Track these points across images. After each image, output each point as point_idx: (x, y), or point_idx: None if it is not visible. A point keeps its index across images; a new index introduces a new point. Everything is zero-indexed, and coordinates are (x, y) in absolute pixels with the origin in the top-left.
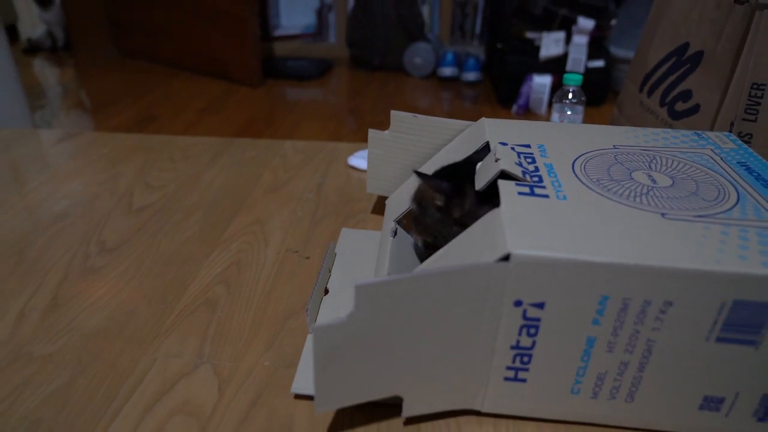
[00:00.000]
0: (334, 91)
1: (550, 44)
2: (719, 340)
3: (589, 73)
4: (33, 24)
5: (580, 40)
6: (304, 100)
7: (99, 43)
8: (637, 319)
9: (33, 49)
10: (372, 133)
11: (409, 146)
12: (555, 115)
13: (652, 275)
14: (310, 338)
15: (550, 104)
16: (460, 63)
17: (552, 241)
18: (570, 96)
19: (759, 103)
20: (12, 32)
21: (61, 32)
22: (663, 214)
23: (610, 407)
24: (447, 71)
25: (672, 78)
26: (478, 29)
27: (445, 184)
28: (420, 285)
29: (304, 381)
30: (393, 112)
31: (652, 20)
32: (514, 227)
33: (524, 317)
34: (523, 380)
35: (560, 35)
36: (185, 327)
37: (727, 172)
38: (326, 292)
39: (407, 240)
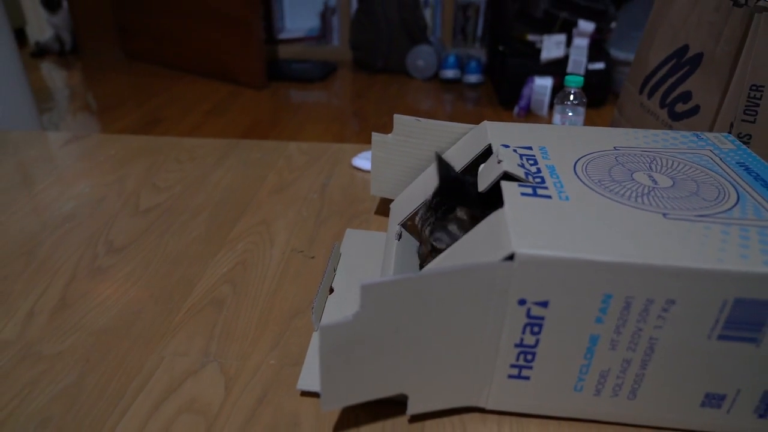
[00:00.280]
0: (338, 93)
1: (551, 47)
2: (721, 337)
3: (589, 75)
4: (41, 28)
5: (581, 43)
6: (309, 102)
7: (106, 46)
8: (640, 318)
9: (41, 52)
10: (375, 136)
11: (411, 149)
12: (556, 117)
13: (654, 274)
14: (315, 337)
15: (551, 106)
16: (462, 65)
17: (555, 241)
18: (571, 98)
19: (758, 105)
20: (20, 36)
21: (68, 36)
22: (664, 214)
23: (613, 404)
24: (449, 73)
25: (672, 80)
26: (479, 32)
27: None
28: (425, 284)
29: (309, 378)
30: (396, 116)
31: (652, 23)
32: (518, 227)
33: (528, 316)
34: (527, 378)
35: (561, 38)
36: (192, 326)
37: (726, 173)
38: (331, 291)
39: (412, 243)
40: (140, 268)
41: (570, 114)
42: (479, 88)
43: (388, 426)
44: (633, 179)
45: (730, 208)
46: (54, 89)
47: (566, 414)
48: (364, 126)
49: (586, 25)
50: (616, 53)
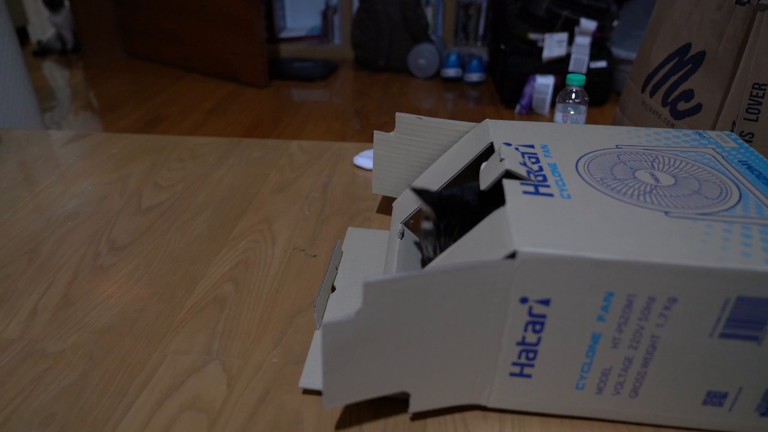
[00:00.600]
0: (340, 92)
1: (553, 45)
2: (723, 336)
3: (591, 73)
4: (43, 27)
5: (583, 41)
6: (310, 101)
7: (107, 45)
8: (642, 316)
9: (43, 51)
10: (377, 134)
11: (413, 148)
12: (558, 115)
13: (656, 272)
14: (317, 335)
15: (553, 104)
16: (463, 64)
17: (557, 239)
18: (573, 96)
19: (760, 103)
20: (22, 35)
21: (70, 35)
22: (666, 213)
23: (615, 402)
24: (451, 72)
25: (674, 78)
26: (481, 31)
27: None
28: (427, 282)
29: (311, 376)
30: (398, 114)
31: (654, 21)
32: (520, 225)
33: (530, 314)
34: (529, 376)
35: (563, 36)
36: (194, 324)
37: (728, 171)
38: (333, 289)
39: (415, 242)
40: (142, 266)
41: (572, 113)
42: (481, 87)
43: (390, 424)
44: (635, 177)
45: (732, 207)
46: (56, 88)
47: (568, 412)
48: (366, 125)
49: (588, 24)
50: (618, 52)
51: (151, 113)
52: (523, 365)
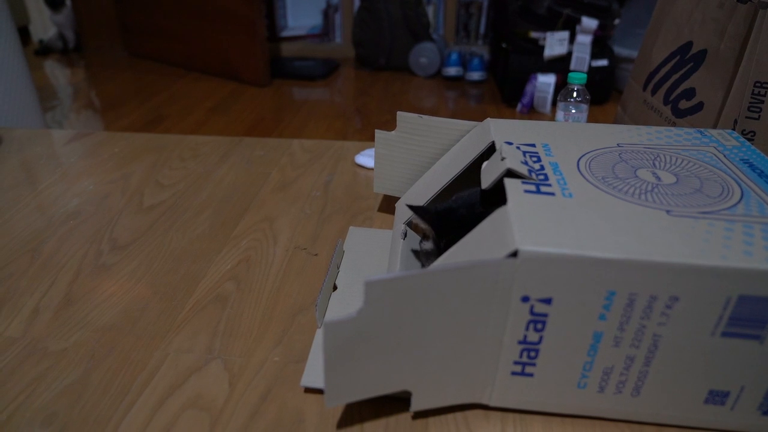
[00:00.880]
0: (341, 90)
1: (554, 44)
2: (724, 334)
3: (592, 72)
4: (44, 26)
5: (584, 40)
6: (311, 99)
7: (109, 44)
8: (644, 314)
9: (44, 50)
10: (379, 133)
11: (415, 146)
12: (560, 114)
13: (658, 271)
14: (319, 333)
15: (554, 103)
16: (464, 63)
17: (559, 238)
18: (574, 95)
19: (762, 102)
20: (24, 34)
21: (72, 34)
22: (668, 211)
23: (617, 401)
24: (452, 71)
25: (675, 76)
26: (482, 29)
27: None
28: (429, 281)
29: (313, 375)
30: (399, 113)
31: (656, 19)
32: (522, 224)
33: (531, 312)
34: (530, 375)
35: (564, 35)
36: (196, 323)
37: (730, 170)
38: (335, 288)
39: (416, 242)
40: (144, 265)
41: (573, 111)
42: (482, 86)
43: (392, 422)
44: (636, 176)
45: (733, 205)
46: (57, 87)
47: (570, 411)
48: (367, 123)
49: (589, 22)
50: (620, 50)
51: (153, 112)
52: (524, 364)
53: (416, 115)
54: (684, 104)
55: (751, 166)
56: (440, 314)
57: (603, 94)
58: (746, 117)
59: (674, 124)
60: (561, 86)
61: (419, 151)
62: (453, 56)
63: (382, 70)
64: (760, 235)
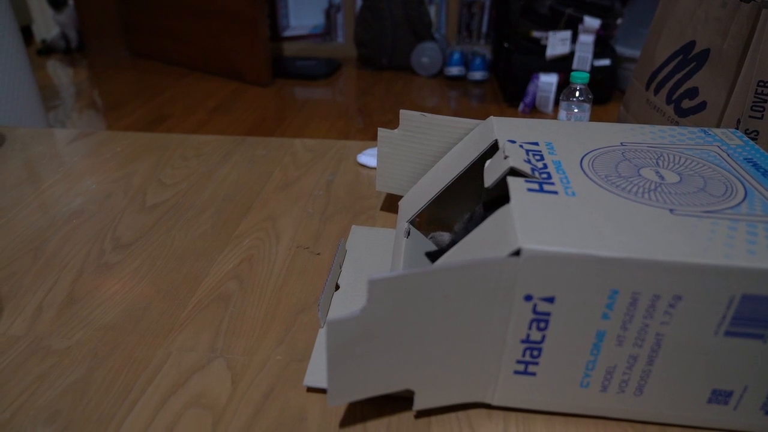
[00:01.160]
0: (343, 90)
1: (557, 43)
2: (728, 334)
3: (595, 71)
4: (47, 26)
5: (587, 39)
6: (313, 99)
7: (111, 44)
8: (647, 313)
9: (47, 50)
10: (381, 131)
11: (418, 145)
12: (562, 113)
13: (661, 270)
14: (321, 332)
15: (556, 103)
16: (467, 62)
17: (562, 237)
18: (577, 94)
19: (765, 101)
20: (27, 34)
21: (74, 34)
22: (671, 210)
23: (619, 401)
24: (454, 70)
25: (678, 76)
26: (484, 29)
27: None
28: (432, 280)
29: (315, 374)
30: (402, 111)
31: (659, 19)
32: (525, 223)
33: (534, 311)
34: (533, 374)
35: (566, 34)
36: (199, 322)
37: (734, 169)
38: (337, 287)
39: (420, 240)
40: (147, 264)
41: (575, 111)
42: (484, 85)
43: (394, 421)
44: (640, 175)
45: (737, 204)
46: (60, 87)
47: (572, 410)
48: (369, 123)
49: (591, 22)
50: (622, 50)
51: (155, 111)
52: (527, 363)
53: (419, 113)
54: (687, 104)
55: (755, 165)
56: (443, 313)
57: (605, 93)
58: (749, 116)
59: (677, 124)
60: (563, 86)
61: (422, 150)
62: (455, 56)
63: (384, 69)
64: (763, 234)
